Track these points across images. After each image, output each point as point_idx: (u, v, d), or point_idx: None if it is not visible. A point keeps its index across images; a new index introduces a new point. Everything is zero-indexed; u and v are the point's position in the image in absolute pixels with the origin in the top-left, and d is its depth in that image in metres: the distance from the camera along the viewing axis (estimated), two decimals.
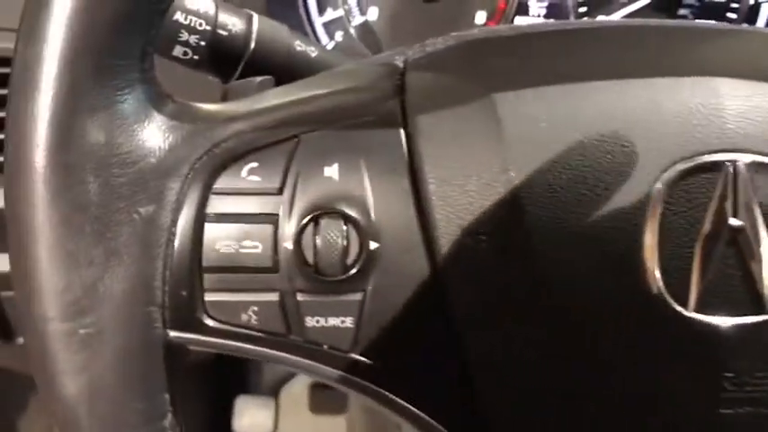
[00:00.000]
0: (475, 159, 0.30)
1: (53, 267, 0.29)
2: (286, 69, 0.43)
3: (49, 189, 0.28)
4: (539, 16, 0.68)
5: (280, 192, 0.31)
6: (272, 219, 0.31)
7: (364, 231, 0.31)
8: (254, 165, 0.31)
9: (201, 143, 0.31)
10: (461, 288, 0.30)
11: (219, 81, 0.44)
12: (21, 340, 0.64)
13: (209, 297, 0.31)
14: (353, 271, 0.30)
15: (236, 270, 0.31)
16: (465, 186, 0.30)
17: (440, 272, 0.31)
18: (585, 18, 0.66)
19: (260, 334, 0.31)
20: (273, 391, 1.12)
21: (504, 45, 0.35)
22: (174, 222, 0.30)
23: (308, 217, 0.31)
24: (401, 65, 0.35)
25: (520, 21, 0.69)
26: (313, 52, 0.45)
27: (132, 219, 0.29)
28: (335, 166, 0.31)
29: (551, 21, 0.65)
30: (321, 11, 0.68)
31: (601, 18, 0.66)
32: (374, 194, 0.31)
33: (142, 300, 0.30)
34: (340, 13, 0.67)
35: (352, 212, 0.31)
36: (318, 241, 0.30)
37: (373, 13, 0.67)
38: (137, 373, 0.30)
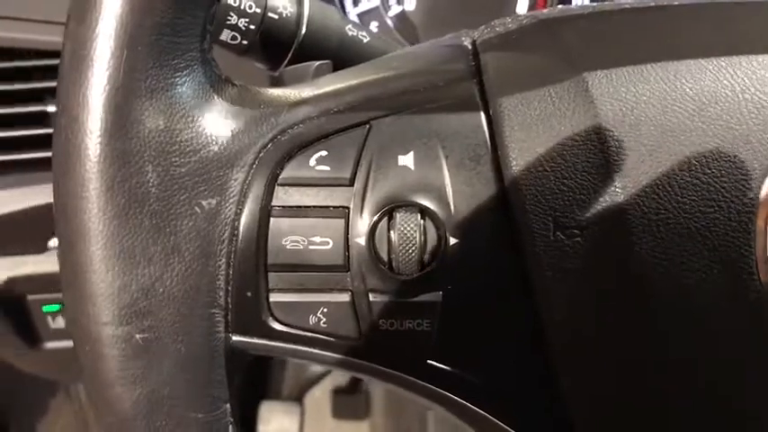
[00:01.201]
0: (567, 144, 0.28)
1: (107, 266, 0.26)
2: (337, 56, 0.40)
3: (104, 179, 0.26)
4: (583, 3, 0.65)
5: (351, 182, 0.28)
6: (342, 212, 0.28)
7: (443, 225, 0.28)
8: (324, 153, 0.28)
9: (266, 130, 0.28)
10: (552, 287, 0.28)
11: (265, 68, 0.41)
12: (47, 345, 0.62)
13: (274, 298, 0.28)
14: (431, 269, 0.28)
15: (305, 268, 0.28)
16: (556, 174, 0.27)
17: (527, 270, 0.28)
18: None
19: (329, 338, 0.29)
20: (295, 396, 1.10)
21: (585, 23, 0.32)
22: (238, 216, 0.28)
23: (382, 210, 0.28)
24: (470, 45, 0.32)
25: None
26: (365, 38, 0.42)
27: (194, 212, 0.27)
28: (411, 153, 0.28)
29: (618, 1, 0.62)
30: (356, 1, 0.65)
31: None
32: (454, 184, 0.28)
33: (204, 301, 0.27)
34: (375, 3, 0.65)
35: (429, 205, 0.28)
36: (393, 236, 0.28)
37: (410, 3, 0.64)
38: (198, 381, 0.28)
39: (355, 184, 0.28)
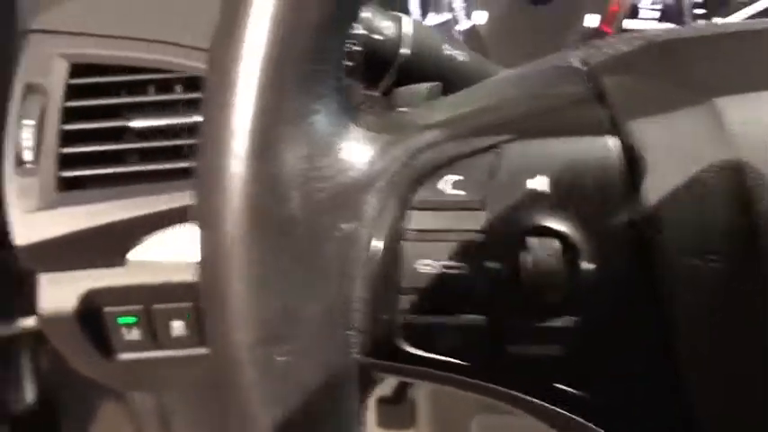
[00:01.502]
0: (702, 170, 0.28)
1: (251, 287, 0.27)
2: (435, 75, 0.41)
3: (250, 202, 0.26)
4: (652, 19, 0.65)
5: (482, 206, 0.28)
6: (475, 236, 0.28)
7: (577, 250, 0.28)
8: (453, 177, 0.29)
9: (398, 155, 0.29)
10: (686, 314, 0.28)
11: (364, 88, 0.41)
12: (121, 357, 0.63)
13: (407, 320, 0.29)
14: (566, 294, 0.28)
15: (437, 292, 0.28)
16: (692, 202, 0.27)
17: (662, 296, 0.28)
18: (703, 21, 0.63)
19: (459, 361, 0.29)
20: None
21: (703, 46, 0.32)
22: (373, 239, 0.28)
23: (515, 234, 0.28)
24: (582, 67, 0.32)
25: (630, 24, 0.66)
26: (461, 56, 0.42)
27: (334, 236, 0.27)
28: (542, 178, 0.29)
29: (733, 21, 0.62)
30: (423, 15, 0.65)
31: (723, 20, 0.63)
32: (587, 209, 0.28)
33: (341, 323, 0.28)
34: (444, 17, 0.65)
35: (563, 229, 0.28)
36: (526, 261, 0.28)
37: (481, 18, 0.64)
38: (332, 403, 0.28)
39: (487, 209, 0.28)
